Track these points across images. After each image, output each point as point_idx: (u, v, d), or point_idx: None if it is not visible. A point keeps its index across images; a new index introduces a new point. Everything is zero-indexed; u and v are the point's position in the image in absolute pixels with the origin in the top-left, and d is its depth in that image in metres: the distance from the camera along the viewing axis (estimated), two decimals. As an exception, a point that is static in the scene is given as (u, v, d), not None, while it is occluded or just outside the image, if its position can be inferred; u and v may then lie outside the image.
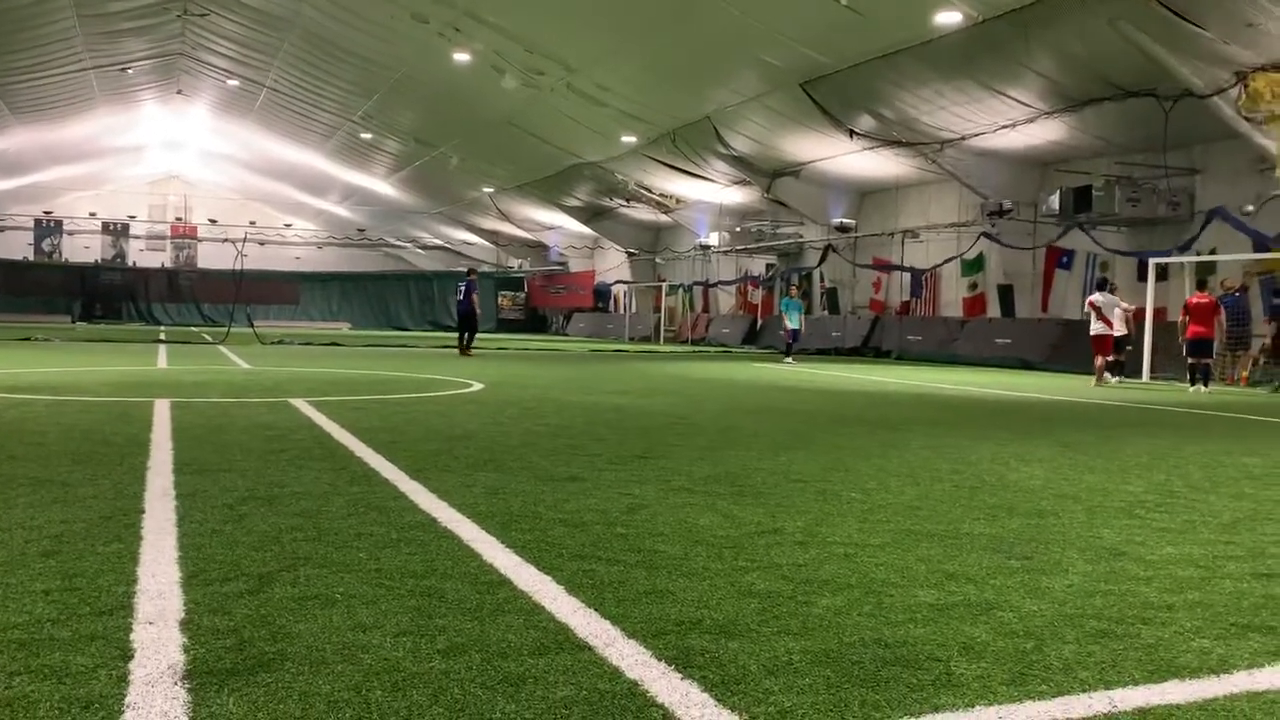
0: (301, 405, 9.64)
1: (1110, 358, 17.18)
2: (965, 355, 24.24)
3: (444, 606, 3.17)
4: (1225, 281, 18.13)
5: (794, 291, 25.18)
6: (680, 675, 2.63)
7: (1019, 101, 19.80)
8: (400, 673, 2.59)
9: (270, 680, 2.52)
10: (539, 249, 51.91)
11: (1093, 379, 16.98)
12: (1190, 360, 16.32)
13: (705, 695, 2.50)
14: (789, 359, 22.93)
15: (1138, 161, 20.72)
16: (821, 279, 32.48)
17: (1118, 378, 17.65)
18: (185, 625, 2.93)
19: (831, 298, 32.21)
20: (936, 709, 2.46)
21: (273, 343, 25.69)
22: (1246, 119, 16.40)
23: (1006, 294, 25.44)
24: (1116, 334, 17.14)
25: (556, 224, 45.18)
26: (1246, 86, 16.02)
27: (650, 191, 35.46)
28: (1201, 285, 17.51)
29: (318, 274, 53.74)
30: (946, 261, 26.32)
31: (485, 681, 2.55)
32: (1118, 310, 17.12)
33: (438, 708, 2.39)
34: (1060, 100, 19.37)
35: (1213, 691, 2.62)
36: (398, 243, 57.06)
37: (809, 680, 2.62)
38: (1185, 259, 19.37)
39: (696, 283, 40.17)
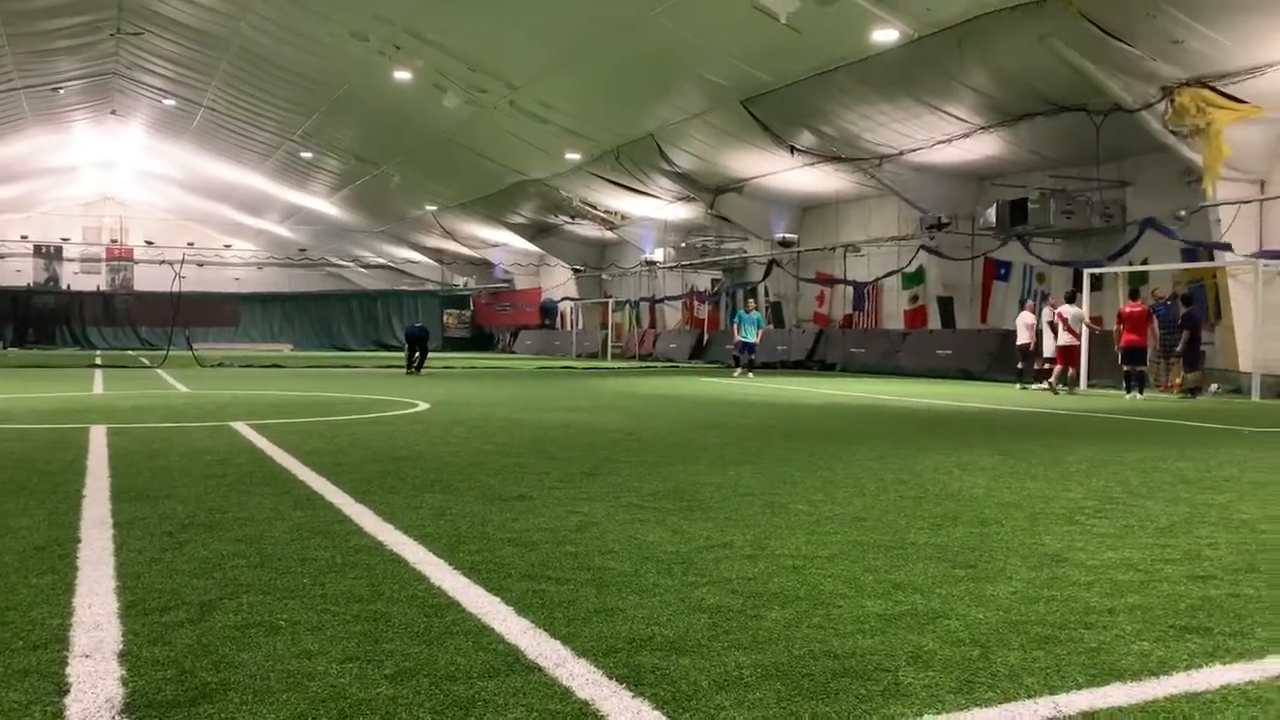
0: (243, 429, 9.47)
1: (1069, 368, 17.67)
2: (908, 367, 24.55)
3: (391, 631, 3.13)
4: (1156, 290, 18.62)
5: (751, 305, 25.07)
6: (631, 693, 2.62)
7: (955, 117, 20.16)
8: (346, 699, 2.55)
9: (212, 711, 2.47)
10: (484, 266, 51.68)
11: (1044, 387, 17.50)
12: (1125, 368, 16.72)
13: (657, 713, 2.50)
14: (737, 372, 22.98)
15: (1071, 174, 21.19)
16: (766, 293, 32.74)
17: (1046, 385, 18.12)
18: (123, 657, 2.86)
19: (776, 312, 32.45)
20: (887, 719, 2.47)
21: (212, 365, 25.24)
22: (1173, 132, 16.85)
23: (947, 305, 25.84)
24: (1024, 341, 17.77)
25: (502, 241, 45.03)
26: (1173, 101, 16.46)
27: (595, 208, 35.50)
28: (1134, 294, 17.98)
29: (258, 295, 52.96)
30: (888, 275, 26.67)
31: (434, 706, 2.52)
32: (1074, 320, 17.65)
33: (386, 734, 2.35)
34: (995, 115, 19.77)
35: (1153, 693, 2.67)
36: (340, 262, 56.43)
37: (760, 694, 2.62)
38: (1119, 269, 19.83)
39: (643, 298, 40.28)
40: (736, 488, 6.18)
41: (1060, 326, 17.65)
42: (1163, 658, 2.97)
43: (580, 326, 43.74)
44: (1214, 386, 17.45)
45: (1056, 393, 17.17)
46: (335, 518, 5.05)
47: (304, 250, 55.48)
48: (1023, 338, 18.94)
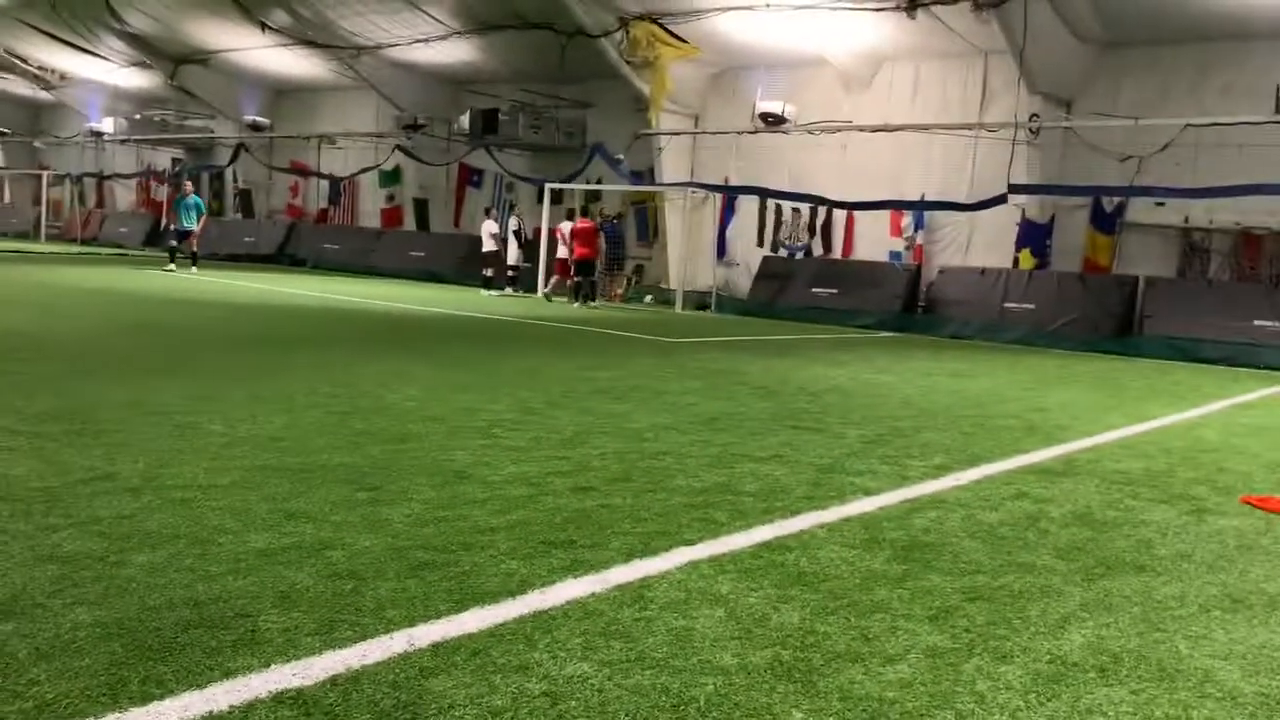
0: None
1: (572, 279, 18.48)
2: (382, 266, 24.37)
3: None
4: (603, 210, 20.27)
5: (189, 188, 22.11)
6: (-81, 677, 2.22)
7: (433, 18, 20.01)
8: None
9: None
10: None
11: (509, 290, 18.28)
12: (576, 279, 18.04)
13: (-54, 699, 2.14)
14: (173, 265, 20.46)
15: (539, 90, 22.14)
16: (235, 179, 30.44)
17: (511, 290, 19.15)
18: None
19: (245, 200, 30.37)
20: (229, 674, 2.34)
21: None
22: (628, 62, 18.27)
23: (422, 208, 25.97)
24: (492, 249, 18.80)
25: (-107, 87, 36.77)
26: (628, 33, 17.80)
27: (26, 62, 30.30)
28: (584, 212, 19.41)
29: None
30: (364, 171, 26.10)
31: None
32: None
33: None
34: (471, 22, 19.94)
35: (505, 615, 2.81)
36: None
37: (89, 660, 2.36)
38: (577, 187, 21.24)
39: (88, 174, 35.40)
40: (147, 405, 5.63)
41: (561, 240, 18.41)
42: (524, 577, 3.15)
43: (7, 201, 37.49)
44: (649, 298, 19.52)
45: (586, 305, 17.78)
46: None
47: None
48: (487, 245, 19.62)
